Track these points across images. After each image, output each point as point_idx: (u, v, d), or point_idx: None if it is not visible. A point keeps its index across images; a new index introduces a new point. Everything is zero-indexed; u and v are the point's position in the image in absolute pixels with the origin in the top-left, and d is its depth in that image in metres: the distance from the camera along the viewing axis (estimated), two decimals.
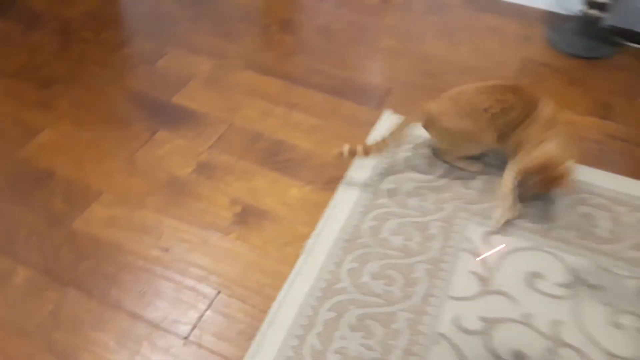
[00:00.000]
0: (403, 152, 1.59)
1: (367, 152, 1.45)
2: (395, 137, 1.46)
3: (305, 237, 1.37)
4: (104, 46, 1.97)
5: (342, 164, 1.54)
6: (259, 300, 1.24)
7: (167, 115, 1.70)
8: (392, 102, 1.78)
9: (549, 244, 1.36)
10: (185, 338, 1.17)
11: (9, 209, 1.41)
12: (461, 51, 2.03)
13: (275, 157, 1.58)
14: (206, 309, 1.23)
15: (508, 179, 1.42)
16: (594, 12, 2.00)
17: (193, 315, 1.22)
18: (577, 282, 1.28)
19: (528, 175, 1.38)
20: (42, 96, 1.75)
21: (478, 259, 1.31)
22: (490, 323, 1.20)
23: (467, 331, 1.18)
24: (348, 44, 2.04)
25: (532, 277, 1.29)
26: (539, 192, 1.41)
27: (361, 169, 1.53)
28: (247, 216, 1.42)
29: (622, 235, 1.38)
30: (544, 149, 1.36)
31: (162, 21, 2.10)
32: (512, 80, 1.70)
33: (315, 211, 1.43)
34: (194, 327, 1.20)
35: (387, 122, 1.68)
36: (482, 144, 1.48)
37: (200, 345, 1.16)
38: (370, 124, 1.69)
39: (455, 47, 2.05)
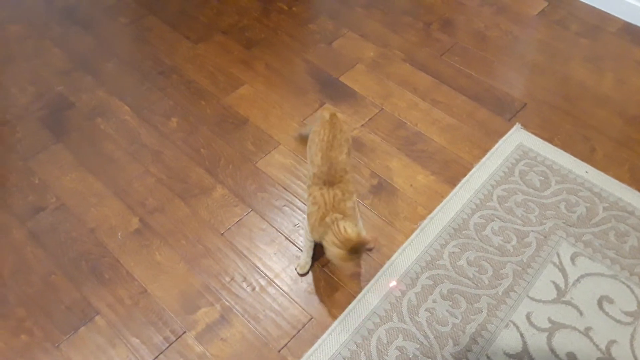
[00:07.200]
0: (521, 166, 1.75)
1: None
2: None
3: (422, 217, 1.64)
4: (295, 19, 2.28)
5: (466, 166, 1.75)
6: (376, 255, 1.56)
7: (334, 91, 1.99)
8: (524, 117, 1.91)
9: (627, 276, 1.50)
10: (322, 267, 1.54)
11: (216, 141, 1.84)
12: (604, 80, 2.04)
13: (412, 146, 1.83)
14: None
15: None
16: None
17: None
18: None
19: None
20: (245, 55, 2.13)
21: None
22: (556, 326, 1.41)
23: (535, 326, 1.41)
24: (498, 53, 2.15)
25: (603, 300, 1.45)
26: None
27: (480, 173, 1.73)
28: (381, 189, 1.71)
29: None
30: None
31: (342, 3, 2.35)
32: None
33: (435, 198, 1.68)
34: (329, 261, 1.55)
35: (515, 135, 1.83)
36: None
37: (327, 274, 1.52)
38: (500, 134, 1.85)
39: (598, 74, 2.06)
